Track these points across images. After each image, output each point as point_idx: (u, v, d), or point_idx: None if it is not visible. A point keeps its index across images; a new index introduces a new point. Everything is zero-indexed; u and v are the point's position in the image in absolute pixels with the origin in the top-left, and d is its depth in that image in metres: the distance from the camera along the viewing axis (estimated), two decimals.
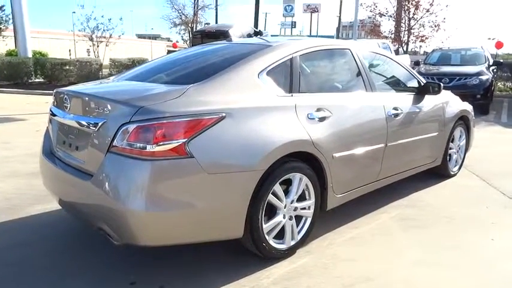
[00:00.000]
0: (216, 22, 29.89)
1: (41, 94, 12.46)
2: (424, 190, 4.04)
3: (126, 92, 2.60)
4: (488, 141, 6.47)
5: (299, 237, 2.71)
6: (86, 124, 2.35)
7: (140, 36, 71.52)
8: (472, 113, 4.68)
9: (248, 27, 15.31)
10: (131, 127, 2.10)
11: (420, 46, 27.99)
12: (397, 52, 18.20)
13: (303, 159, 2.63)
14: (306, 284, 2.36)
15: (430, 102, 3.88)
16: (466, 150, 4.69)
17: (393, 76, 3.87)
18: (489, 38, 23.75)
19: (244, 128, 2.33)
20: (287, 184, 2.60)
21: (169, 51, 28.71)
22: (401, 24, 23.91)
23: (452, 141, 4.35)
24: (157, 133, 2.07)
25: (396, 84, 3.88)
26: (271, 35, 20.24)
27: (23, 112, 8.80)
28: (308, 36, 37.93)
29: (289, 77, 2.74)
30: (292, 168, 2.55)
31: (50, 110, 2.80)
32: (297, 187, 2.62)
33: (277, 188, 2.49)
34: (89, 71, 14.66)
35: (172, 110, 2.14)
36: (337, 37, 38.78)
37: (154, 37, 72.74)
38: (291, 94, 2.69)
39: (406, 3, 23.03)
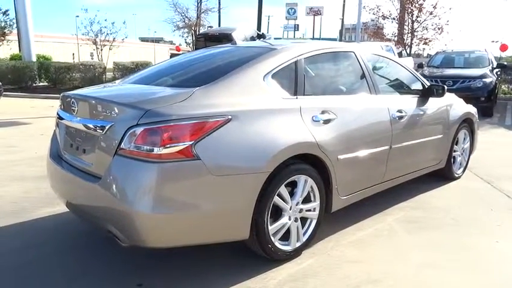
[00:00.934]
0: (219, 25, 29.98)
1: (45, 98, 12.56)
2: (429, 192, 4.05)
3: (133, 95, 2.62)
4: (492, 143, 6.47)
5: (304, 238, 2.73)
6: (94, 127, 2.37)
7: (143, 40, 71.85)
8: (476, 116, 4.68)
9: (251, 30, 15.32)
10: (138, 130, 2.12)
11: (423, 49, 28.10)
12: (400, 55, 18.19)
13: (308, 162, 2.64)
14: (312, 285, 2.37)
15: (434, 104, 3.89)
16: (470, 152, 4.70)
17: (397, 79, 3.89)
18: (493, 41, 23.69)
19: (250, 130, 2.35)
20: (292, 186, 2.61)
21: (172, 55, 28.80)
22: (405, 26, 23.93)
23: (456, 144, 4.35)
24: (164, 136, 2.09)
25: (400, 87, 3.89)
26: (274, 38, 20.26)
27: (28, 116, 8.85)
28: (311, 38, 38.00)
29: (294, 79, 2.76)
30: (297, 170, 2.57)
31: (57, 114, 2.83)
32: (302, 189, 2.64)
33: (283, 190, 2.51)
34: (93, 75, 14.71)
35: (179, 113, 2.16)
36: (340, 40, 38.79)
37: (157, 40, 73.00)
38: (296, 97, 2.71)
39: (410, 6, 23.05)
